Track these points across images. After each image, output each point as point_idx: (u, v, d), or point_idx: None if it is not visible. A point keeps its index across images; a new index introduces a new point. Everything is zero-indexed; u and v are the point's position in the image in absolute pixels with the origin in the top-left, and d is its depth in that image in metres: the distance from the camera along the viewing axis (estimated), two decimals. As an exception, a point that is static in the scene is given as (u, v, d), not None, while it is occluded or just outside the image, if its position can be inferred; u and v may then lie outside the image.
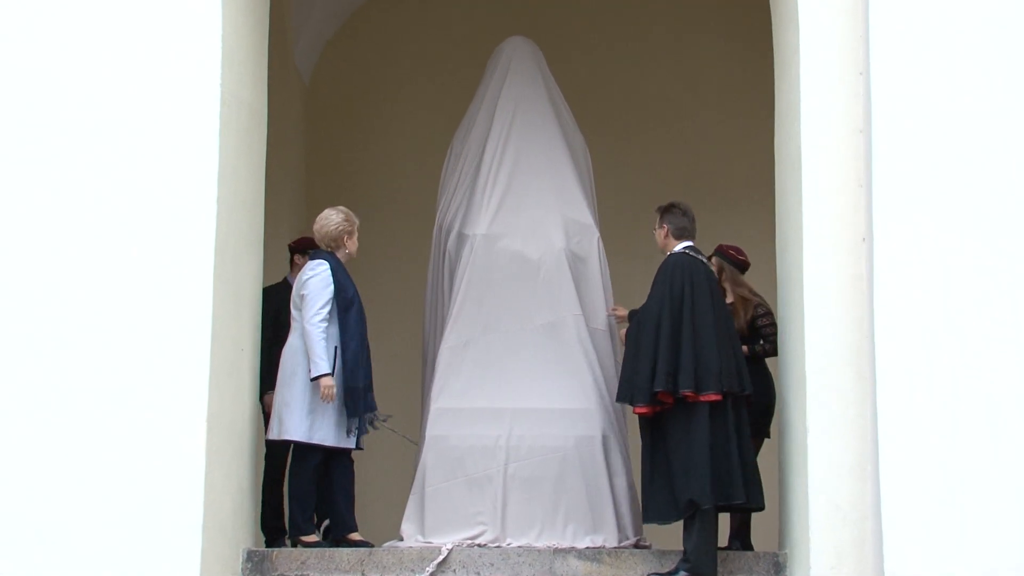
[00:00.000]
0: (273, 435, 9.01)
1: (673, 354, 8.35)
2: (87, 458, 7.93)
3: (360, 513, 9.28)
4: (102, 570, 7.86)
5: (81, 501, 7.90)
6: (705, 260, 8.75)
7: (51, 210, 8.11)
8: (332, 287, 8.92)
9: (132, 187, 8.15)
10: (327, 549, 8.72)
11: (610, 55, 12.45)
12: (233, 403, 8.39)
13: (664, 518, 8.47)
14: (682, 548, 8.41)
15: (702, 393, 8.33)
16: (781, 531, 8.59)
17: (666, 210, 8.89)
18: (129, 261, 8.09)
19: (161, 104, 8.22)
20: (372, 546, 8.85)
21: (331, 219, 9.13)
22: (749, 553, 8.66)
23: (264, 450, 9.46)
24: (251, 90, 8.73)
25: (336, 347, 8.89)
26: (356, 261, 9.30)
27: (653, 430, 8.49)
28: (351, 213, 9.19)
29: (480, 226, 9.64)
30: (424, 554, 8.54)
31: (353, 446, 9.01)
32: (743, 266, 9.57)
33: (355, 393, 8.89)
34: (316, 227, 9.16)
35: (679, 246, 8.77)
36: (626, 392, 8.55)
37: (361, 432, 9.02)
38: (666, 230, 8.84)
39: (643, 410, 8.43)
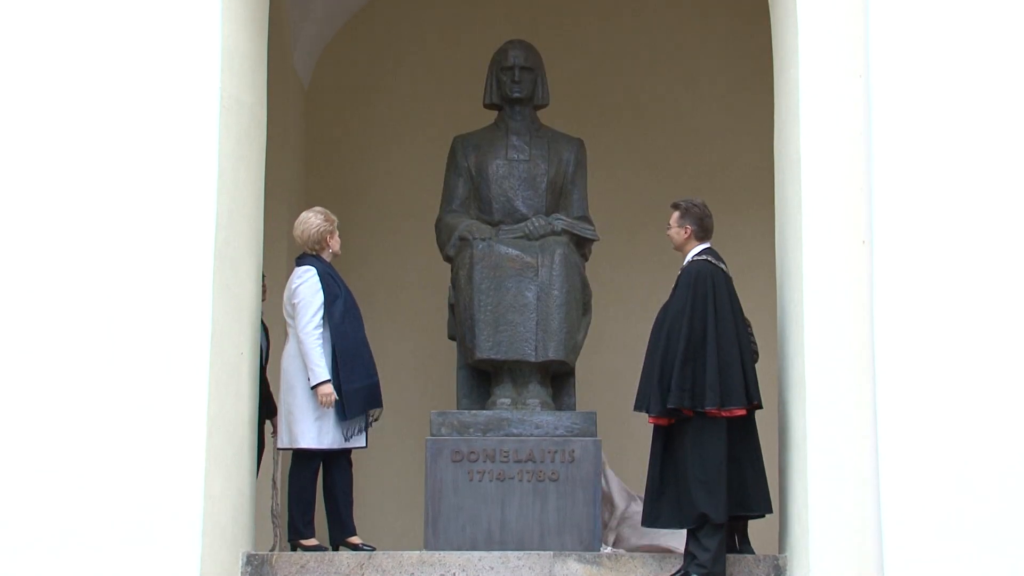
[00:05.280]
0: (283, 444, 9.03)
1: (697, 370, 8.30)
2: (87, 462, 7.93)
3: (359, 516, 9.28)
4: (102, 573, 7.85)
5: (81, 504, 7.90)
6: (724, 266, 8.69)
7: (50, 212, 8.10)
8: (322, 292, 8.92)
9: (131, 189, 8.14)
10: (327, 553, 8.73)
11: (610, 55, 12.43)
12: (233, 407, 8.38)
13: (672, 526, 8.47)
14: (684, 551, 8.42)
15: (726, 408, 8.31)
16: (781, 534, 8.58)
17: (687, 210, 8.76)
18: (128, 263, 8.09)
19: (160, 106, 8.22)
20: (373, 550, 8.85)
21: (311, 222, 9.11)
22: (750, 556, 8.65)
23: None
24: (250, 92, 8.72)
25: (331, 350, 8.89)
26: (353, 261, 9.31)
27: (667, 439, 8.46)
28: (328, 212, 9.19)
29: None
30: (424, 558, 8.54)
31: (363, 444, 9.03)
32: None
33: (349, 395, 8.89)
34: (296, 232, 9.15)
35: (698, 248, 8.71)
36: (643, 402, 8.51)
37: (366, 428, 9.04)
38: (689, 231, 8.73)
39: (661, 421, 8.42)
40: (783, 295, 8.70)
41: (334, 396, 8.83)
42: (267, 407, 9.24)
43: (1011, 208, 7.79)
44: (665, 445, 8.47)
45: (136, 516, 7.90)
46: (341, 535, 9.03)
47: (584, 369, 10.31)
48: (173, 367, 8.02)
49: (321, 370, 8.83)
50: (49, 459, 7.92)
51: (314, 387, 8.84)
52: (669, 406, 8.28)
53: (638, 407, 8.60)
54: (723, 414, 8.32)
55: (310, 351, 8.85)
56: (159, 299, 8.06)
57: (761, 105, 9.64)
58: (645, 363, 8.59)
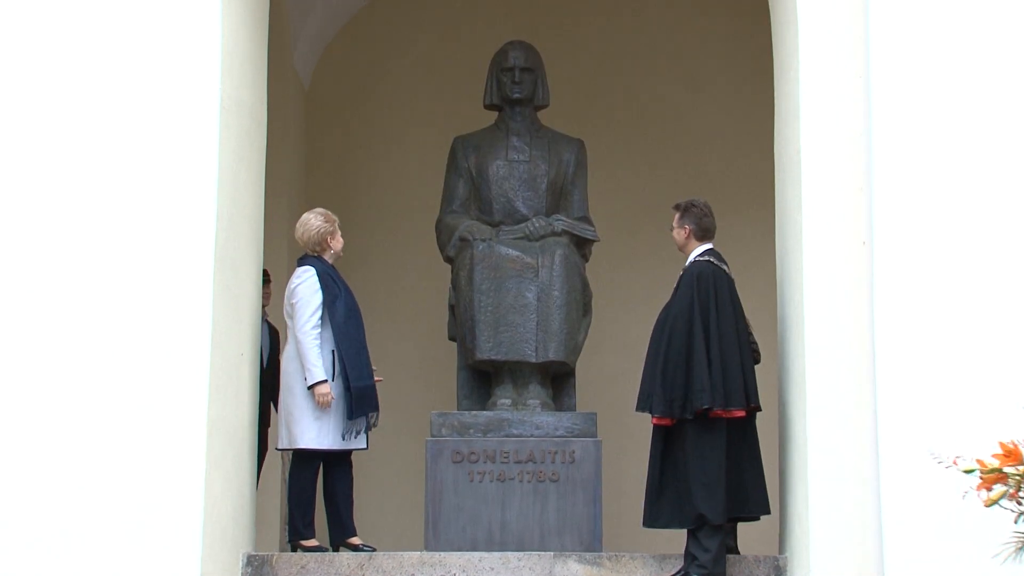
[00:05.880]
0: (283, 444, 9.03)
1: (702, 371, 8.30)
2: (88, 462, 7.92)
3: (360, 517, 9.27)
4: (102, 573, 7.84)
5: (82, 506, 7.89)
6: (726, 267, 8.68)
7: (50, 213, 8.10)
8: (320, 292, 8.91)
9: (131, 190, 8.13)
10: (327, 554, 8.72)
11: (610, 55, 12.44)
12: (233, 408, 8.38)
13: (672, 526, 8.48)
14: (684, 552, 8.42)
15: (728, 409, 8.31)
16: (781, 535, 8.58)
17: (686, 209, 8.75)
18: (128, 265, 8.08)
19: (160, 107, 8.20)
20: (373, 550, 8.85)
21: (311, 223, 9.10)
22: (750, 557, 8.65)
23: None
24: (250, 92, 8.72)
25: (332, 350, 8.89)
26: (353, 262, 9.30)
27: (667, 439, 8.47)
28: (329, 212, 9.18)
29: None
30: (425, 559, 8.54)
31: (364, 446, 9.02)
32: None
33: (357, 392, 8.88)
34: (298, 234, 9.14)
35: (700, 248, 8.68)
36: (646, 402, 8.51)
37: (366, 431, 9.04)
38: (688, 231, 8.71)
39: (665, 422, 8.42)
40: (783, 295, 8.70)
41: (331, 396, 8.82)
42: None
43: (1011, 208, 7.78)
44: (665, 445, 8.47)
45: (136, 516, 7.89)
46: (341, 536, 9.03)
47: (584, 370, 10.31)
48: (173, 368, 8.01)
49: (318, 370, 8.82)
50: (49, 459, 7.91)
51: (311, 387, 8.83)
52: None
53: (640, 408, 8.59)
54: (723, 415, 8.32)
55: (307, 351, 8.84)
56: (159, 300, 8.05)
57: (761, 105, 9.64)
58: (647, 364, 8.58)
